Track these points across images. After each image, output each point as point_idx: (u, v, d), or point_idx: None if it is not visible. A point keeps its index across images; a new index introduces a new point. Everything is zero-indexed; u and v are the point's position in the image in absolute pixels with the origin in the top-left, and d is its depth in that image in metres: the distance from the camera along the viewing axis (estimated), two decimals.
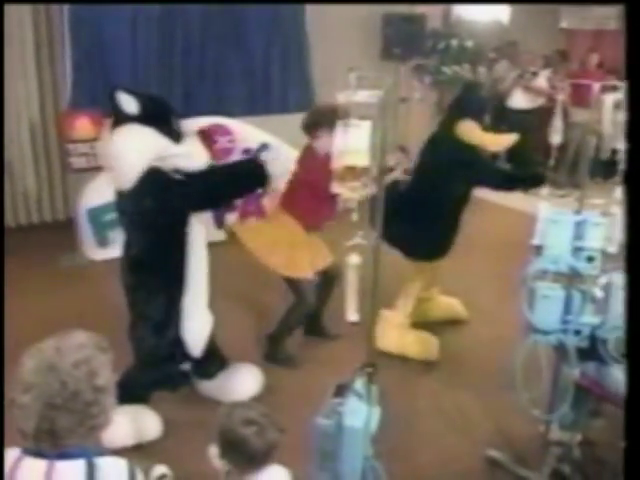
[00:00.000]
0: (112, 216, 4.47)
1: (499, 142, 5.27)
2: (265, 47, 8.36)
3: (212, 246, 4.17)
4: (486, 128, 4.97)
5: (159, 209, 3.71)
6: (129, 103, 3.68)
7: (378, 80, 2.78)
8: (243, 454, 2.38)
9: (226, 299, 5.41)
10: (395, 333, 4.90)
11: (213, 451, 2.48)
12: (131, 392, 3.57)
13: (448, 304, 5.59)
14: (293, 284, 4.67)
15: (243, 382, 4.30)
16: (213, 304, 4.12)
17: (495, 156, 10.59)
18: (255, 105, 8.24)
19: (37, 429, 1.76)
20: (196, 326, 4.00)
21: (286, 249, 4.58)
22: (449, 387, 4.53)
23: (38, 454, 1.80)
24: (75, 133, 6.96)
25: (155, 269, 3.81)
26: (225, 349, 4.36)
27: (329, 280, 4.86)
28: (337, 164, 2.67)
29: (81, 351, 1.83)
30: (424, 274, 5.16)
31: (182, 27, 7.78)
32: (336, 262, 4.61)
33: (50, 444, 1.78)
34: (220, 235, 7.05)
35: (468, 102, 5.12)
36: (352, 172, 2.68)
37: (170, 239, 3.84)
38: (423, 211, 4.78)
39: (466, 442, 3.97)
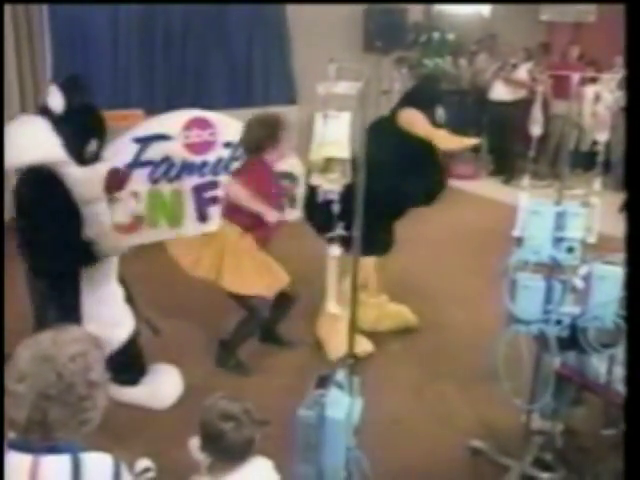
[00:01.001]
0: None
1: (448, 141, 4.60)
2: (247, 40, 8.37)
3: None
4: (438, 124, 4.61)
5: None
6: (55, 99, 3.42)
7: (358, 72, 2.78)
8: (221, 448, 2.39)
9: (194, 300, 5.42)
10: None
11: (194, 443, 2.49)
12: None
13: (397, 312, 5.19)
14: (242, 300, 4.45)
15: (165, 385, 4.20)
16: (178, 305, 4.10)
17: (477, 149, 10.68)
18: (237, 98, 8.23)
19: (28, 419, 1.76)
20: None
21: (233, 264, 4.33)
22: (432, 378, 4.55)
23: (23, 448, 1.79)
24: None
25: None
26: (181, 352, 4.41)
27: (286, 301, 4.69)
28: (316, 155, 2.66)
29: (78, 345, 1.84)
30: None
31: (163, 21, 7.78)
32: (293, 283, 4.54)
33: (40, 436, 1.78)
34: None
35: (420, 92, 4.89)
36: (331, 163, 2.67)
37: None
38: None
39: (449, 432, 3.99)
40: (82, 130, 3.50)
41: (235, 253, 4.34)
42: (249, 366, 4.64)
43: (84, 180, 3.49)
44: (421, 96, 4.72)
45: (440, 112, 4.65)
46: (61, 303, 3.63)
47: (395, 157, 4.43)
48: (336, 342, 4.42)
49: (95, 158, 3.59)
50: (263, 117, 4.50)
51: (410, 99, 4.72)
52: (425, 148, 4.50)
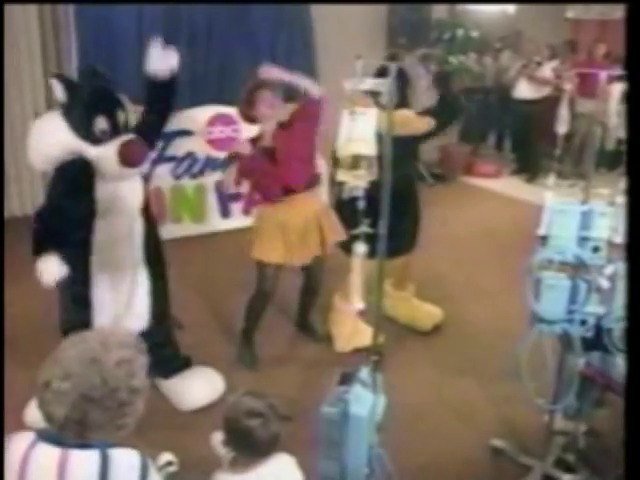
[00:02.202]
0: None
1: (423, 123, 4.55)
2: (271, 36, 8.36)
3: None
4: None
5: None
6: (57, 90, 3.46)
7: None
8: (248, 444, 2.39)
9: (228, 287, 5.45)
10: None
11: (217, 438, 2.50)
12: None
13: (431, 312, 5.22)
14: (257, 269, 4.45)
15: (198, 387, 4.05)
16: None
17: (499, 147, 10.64)
18: None
19: (67, 417, 1.77)
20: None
21: (260, 232, 4.36)
22: (453, 376, 4.53)
23: (53, 440, 1.81)
24: None
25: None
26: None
27: (309, 278, 4.76)
28: (343, 152, 2.66)
29: (124, 350, 1.86)
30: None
31: (188, 17, 7.78)
32: (320, 262, 4.57)
33: (75, 434, 1.80)
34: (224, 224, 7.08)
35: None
36: (358, 160, 2.67)
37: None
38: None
39: (470, 431, 3.97)
40: (85, 110, 3.47)
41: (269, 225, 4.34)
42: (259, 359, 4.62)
43: (100, 159, 3.47)
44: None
45: (410, 94, 4.83)
46: (73, 289, 3.66)
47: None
48: (345, 335, 4.71)
49: (110, 135, 3.52)
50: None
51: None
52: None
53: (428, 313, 5.19)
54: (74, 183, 3.42)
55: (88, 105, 3.49)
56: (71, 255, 3.33)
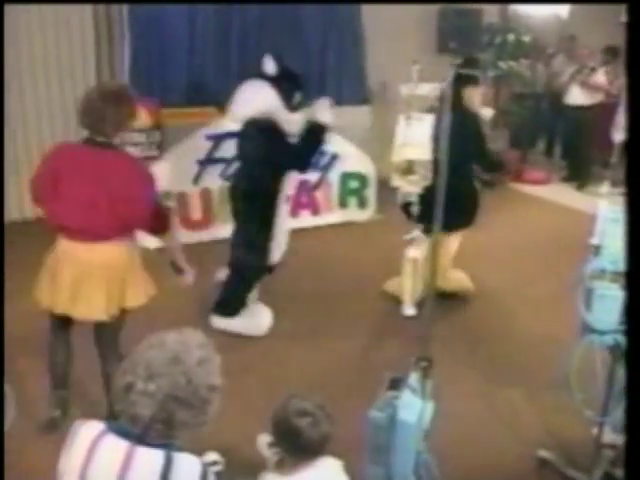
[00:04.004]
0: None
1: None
2: (321, 39, 8.39)
3: None
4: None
5: (256, 152, 4.62)
6: (269, 65, 4.63)
7: (437, 74, 2.77)
8: (297, 444, 2.40)
9: None
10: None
11: (263, 440, 2.52)
12: (241, 300, 4.90)
13: (458, 278, 5.51)
14: None
15: (261, 317, 5.00)
16: None
17: (549, 154, 10.49)
18: (310, 97, 8.25)
19: (153, 417, 1.81)
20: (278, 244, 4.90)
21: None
22: (501, 386, 4.49)
23: (122, 434, 1.84)
24: None
25: (257, 198, 4.69)
26: None
27: (97, 341, 3.78)
28: (398, 157, 2.67)
29: (203, 350, 1.91)
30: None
31: (239, 20, 7.86)
32: (110, 326, 3.64)
33: (160, 433, 1.83)
34: None
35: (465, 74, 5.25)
36: (412, 165, 2.67)
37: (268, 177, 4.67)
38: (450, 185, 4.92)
39: (516, 441, 3.93)
40: (290, 86, 4.67)
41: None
42: None
43: (292, 122, 4.63)
44: (467, 75, 5.21)
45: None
46: (263, 217, 4.75)
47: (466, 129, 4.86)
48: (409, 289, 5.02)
49: (299, 107, 4.74)
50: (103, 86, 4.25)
51: (464, 80, 5.07)
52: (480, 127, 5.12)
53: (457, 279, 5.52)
54: (279, 133, 4.60)
55: (292, 84, 4.72)
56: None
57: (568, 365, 3.17)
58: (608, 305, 3.10)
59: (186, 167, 6.70)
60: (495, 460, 3.77)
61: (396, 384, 2.74)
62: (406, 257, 3.11)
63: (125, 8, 7.19)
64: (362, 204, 7.46)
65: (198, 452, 1.98)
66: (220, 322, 4.89)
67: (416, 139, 2.51)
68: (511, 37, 9.22)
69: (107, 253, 3.45)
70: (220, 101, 7.49)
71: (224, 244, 5.73)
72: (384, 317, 5.16)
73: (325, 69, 8.50)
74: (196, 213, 6.81)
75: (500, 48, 9.21)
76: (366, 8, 8.39)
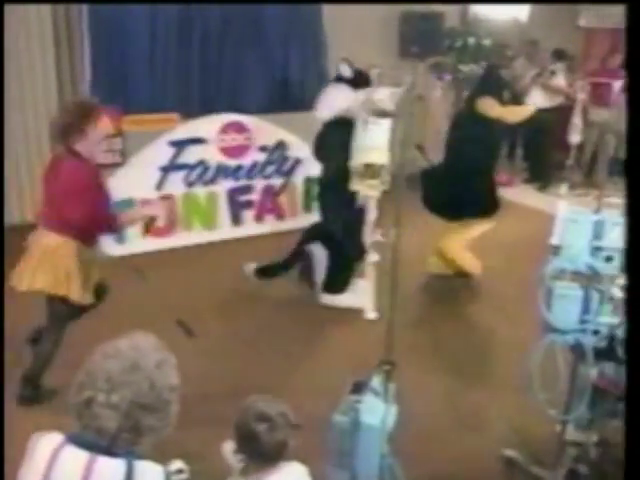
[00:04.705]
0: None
1: (516, 113, 6.01)
2: (283, 44, 8.38)
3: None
4: (505, 103, 5.80)
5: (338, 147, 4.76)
6: (345, 69, 5.18)
7: (397, 78, 2.78)
8: (255, 449, 2.40)
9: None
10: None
11: (228, 447, 2.50)
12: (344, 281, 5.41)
13: (470, 262, 6.13)
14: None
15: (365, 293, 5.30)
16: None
17: (511, 154, 10.59)
18: (272, 103, 8.26)
19: (120, 428, 1.79)
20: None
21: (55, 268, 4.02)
22: (465, 386, 4.52)
23: (82, 444, 1.82)
24: None
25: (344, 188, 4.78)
26: None
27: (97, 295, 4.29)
28: (356, 161, 2.67)
29: (159, 352, 1.90)
30: (457, 233, 5.99)
31: (200, 25, 7.81)
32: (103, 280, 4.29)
33: (128, 442, 1.81)
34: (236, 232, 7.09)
35: (488, 81, 6.01)
36: (371, 170, 2.67)
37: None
38: (454, 181, 5.65)
39: (482, 441, 3.96)
40: (363, 86, 4.87)
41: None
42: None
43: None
44: (491, 84, 5.95)
45: (506, 93, 5.97)
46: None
47: (480, 135, 5.71)
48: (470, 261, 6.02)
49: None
50: (76, 103, 4.37)
51: (482, 88, 5.92)
52: (495, 125, 5.80)
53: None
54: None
55: (365, 81, 4.97)
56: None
57: (531, 365, 3.20)
58: (568, 305, 3.13)
59: (148, 174, 6.65)
60: (461, 461, 3.79)
61: (359, 388, 2.74)
62: (367, 261, 3.14)
63: (85, 10, 7.10)
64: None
65: (163, 461, 1.97)
66: (328, 299, 5.55)
67: (374, 143, 2.53)
68: (472, 41, 9.30)
69: (51, 241, 3.98)
70: (182, 107, 7.49)
71: (187, 250, 5.74)
72: (347, 321, 5.17)
73: (288, 74, 8.49)
74: (159, 220, 6.75)
75: (461, 52, 9.28)
76: (328, 13, 8.40)
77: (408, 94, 2.56)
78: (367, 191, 2.76)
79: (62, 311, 4.08)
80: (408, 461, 3.11)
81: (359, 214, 5.11)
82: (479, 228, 6.03)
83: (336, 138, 5.11)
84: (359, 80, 5.20)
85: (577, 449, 3.56)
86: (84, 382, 1.83)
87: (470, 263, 6.15)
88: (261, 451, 2.38)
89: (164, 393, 1.85)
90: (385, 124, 2.60)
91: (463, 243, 6.10)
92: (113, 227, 4.22)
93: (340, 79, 5.34)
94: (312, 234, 5.71)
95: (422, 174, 5.92)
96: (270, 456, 2.40)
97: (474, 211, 5.88)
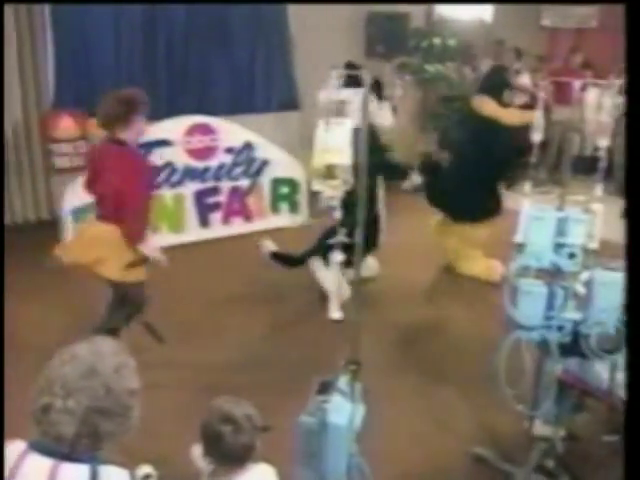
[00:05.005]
0: (93, 216, 4.48)
1: (513, 116, 5.98)
2: (249, 47, 8.36)
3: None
4: (506, 104, 5.95)
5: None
6: (366, 75, 4.88)
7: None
8: (219, 451, 2.38)
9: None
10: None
11: (197, 451, 2.48)
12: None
13: (487, 266, 6.15)
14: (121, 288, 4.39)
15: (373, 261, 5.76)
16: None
17: None
18: (239, 104, 8.24)
19: (78, 434, 1.76)
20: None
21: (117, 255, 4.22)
22: (433, 385, 4.54)
23: (44, 451, 1.79)
24: (58, 133, 6.95)
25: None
26: None
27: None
28: (318, 162, 2.67)
29: (118, 356, 1.87)
30: (458, 234, 6.18)
31: (165, 27, 7.77)
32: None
33: (88, 447, 1.79)
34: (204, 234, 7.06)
35: (489, 81, 6.22)
36: (332, 170, 2.67)
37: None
38: (459, 181, 5.87)
39: (451, 439, 3.98)
40: (375, 85, 5.29)
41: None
42: None
43: (381, 115, 5.51)
44: (490, 84, 6.10)
45: (507, 94, 6.07)
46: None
47: (474, 134, 5.99)
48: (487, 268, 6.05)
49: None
50: (118, 94, 4.38)
51: (482, 87, 6.15)
52: (493, 124, 5.92)
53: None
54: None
55: (377, 81, 5.43)
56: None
57: (497, 362, 3.22)
58: (533, 301, 3.15)
59: None
60: (430, 459, 3.81)
61: (326, 388, 2.74)
62: (331, 261, 3.12)
63: (47, 14, 7.01)
64: (294, 209, 7.49)
65: (131, 465, 1.95)
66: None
67: (336, 144, 2.53)
68: (437, 41, 9.36)
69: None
70: (148, 109, 7.42)
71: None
72: (313, 321, 5.16)
73: (254, 76, 8.47)
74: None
75: (427, 52, 9.34)
76: (293, 13, 8.40)
77: (369, 94, 2.58)
78: (330, 192, 2.76)
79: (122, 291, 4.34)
80: (377, 460, 3.11)
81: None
82: (480, 231, 6.12)
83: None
84: (376, 86, 5.45)
85: (545, 444, 3.59)
86: (42, 388, 1.80)
87: (488, 270, 6.14)
88: (226, 453, 2.37)
89: (122, 397, 1.82)
90: (347, 124, 2.61)
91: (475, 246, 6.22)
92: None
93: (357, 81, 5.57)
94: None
95: (426, 172, 6.06)
96: (236, 458, 2.38)
97: (471, 213, 6.03)
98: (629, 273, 2.60)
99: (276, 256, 5.70)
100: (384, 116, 5.57)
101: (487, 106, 5.88)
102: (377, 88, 5.49)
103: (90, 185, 4.35)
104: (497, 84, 6.15)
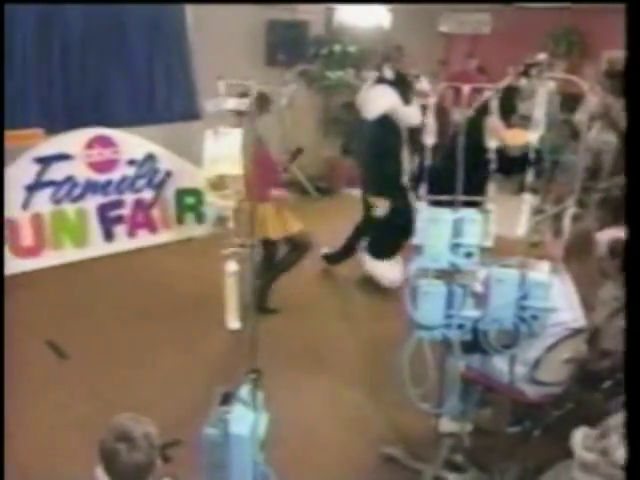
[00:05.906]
0: None
1: (514, 138, 5.84)
2: (148, 56, 8.19)
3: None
4: (511, 126, 5.96)
5: (382, 142, 5.84)
6: (387, 71, 5.96)
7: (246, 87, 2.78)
8: (113, 468, 2.30)
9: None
10: None
11: (99, 468, 2.41)
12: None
13: None
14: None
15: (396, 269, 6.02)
16: None
17: None
18: (139, 115, 8.08)
19: None
20: None
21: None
22: (340, 386, 4.57)
23: None
24: None
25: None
26: None
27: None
28: (209, 172, 2.66)
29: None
30: None
31: (60, 39, 7.50)
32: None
33: None
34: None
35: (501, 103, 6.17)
36: (224, 180, 2.66)
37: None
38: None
39: (361, 441, 4.02)
40: (404, 86, 5.93)
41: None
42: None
43: (409, 114, 5.87)
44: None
45: (514, 117, 6.10)
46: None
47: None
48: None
49: (411, 98, 6.02)
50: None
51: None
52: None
53: None
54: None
55: (406, 82, 6.06)
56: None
57: (401, 362, 3.27)
58: (433, 301, 3.21)
59: (13, 192, 6.37)
60: (341, 461, 3.84)
61: (227, 399, 2.72)
62: (226, 271, 3.10)
63: None
64: (200, 219, 7.41)
65: None
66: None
67: (225, 153, 2.52)
68: (337, 48, 9.45)
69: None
70: (46, 122, 7.21)
71: (57, 270, 5.52)
72: (211, 332, 5.12)
73: (154, 86, 8.31)
74: (27, 240, 6.50)
75: (327, 59, 9.42)
76: (193, 22, 8.31)
77: (257, 103, 2.58)
78: (222, 202, 2.75)
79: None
80: (288, 466, 3.12)
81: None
82: None
83: (385, 136, 5.80)
84: (399, 81, 5.92)
85: (452, 439, 3.68)
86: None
87: None
88: (122, 471, 2.29)
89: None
90: (236, 133, 2.60)
91: None
92: None
93: (382, 80, 5.94)
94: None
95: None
96: (132, 477, 2.31)
97: None
98: (628, 277, 2.66)
99: (327, 258, 6.42)
100: (413, 115, 5.82)
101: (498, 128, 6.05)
102: (404, 86, 5.92)
103: None
104: (507, 107, 6.33)
